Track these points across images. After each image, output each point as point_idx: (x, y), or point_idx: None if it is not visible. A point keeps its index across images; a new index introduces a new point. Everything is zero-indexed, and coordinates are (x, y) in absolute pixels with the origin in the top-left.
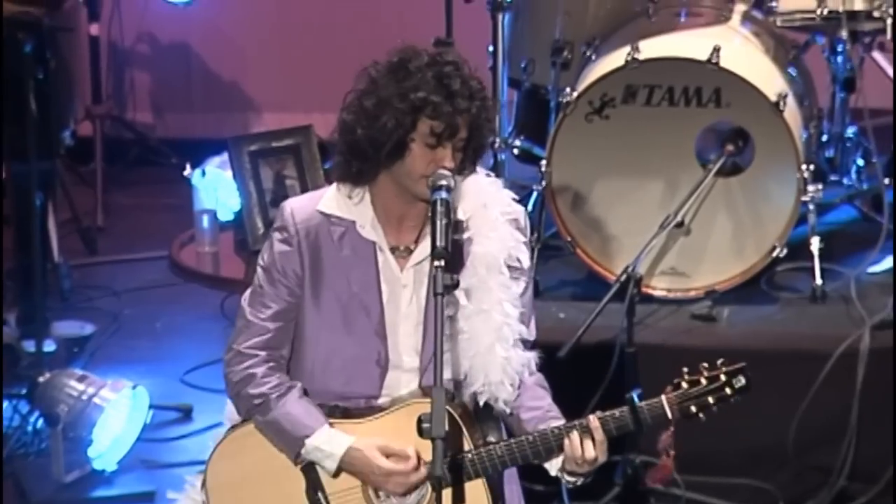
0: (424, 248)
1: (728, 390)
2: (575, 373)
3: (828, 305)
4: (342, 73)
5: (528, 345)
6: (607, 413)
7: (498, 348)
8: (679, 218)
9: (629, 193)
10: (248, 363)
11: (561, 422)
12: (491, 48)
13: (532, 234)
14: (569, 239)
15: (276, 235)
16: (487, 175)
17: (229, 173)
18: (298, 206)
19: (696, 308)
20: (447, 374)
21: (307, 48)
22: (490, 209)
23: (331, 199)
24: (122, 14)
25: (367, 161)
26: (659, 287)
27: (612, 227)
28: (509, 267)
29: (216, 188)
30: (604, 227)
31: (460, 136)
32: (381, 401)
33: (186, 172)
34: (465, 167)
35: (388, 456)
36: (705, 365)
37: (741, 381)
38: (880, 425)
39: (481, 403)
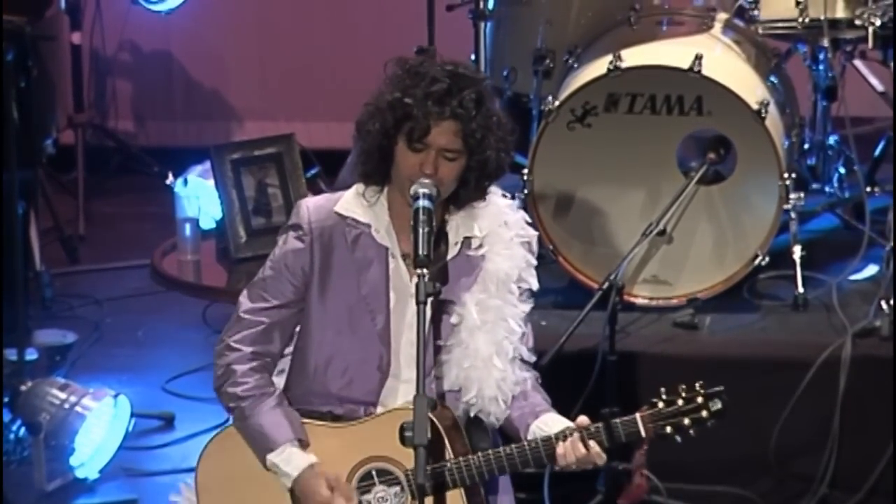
0: (439, 258)
1: (704, 413)
2: (557, 381)
3: (809, 313)
4: (323, 81)
5: (525, 366)
6: (582, 427)
7: (496, 362)
8: (661, 226)
9: (611, 202)
10: (231, 357)
11: (551, 413)
12: (473, 57)
13: None
14: (551, 247)
15: (291, 233)
16: (504, 196)
17: (211, 182)
18: (315, 206)
19: (678, 316)
20: (445, 385)
21: (288, 57)
22: (506, 230)
23: (349, 201)
24: (103, 23)
25: (368, 163)
26: (641, 295)
27: (595, 236)
28: (519, 288)
29: (198, 196)
30: (586, 236)
31: (443, 145)
32: (378, 411)
33: (168, 181)
34: (470, 183)
35: (331, 489)
36: (683, 386)
37: (717, 404)
38: (862, 433)
39: (472, 415)
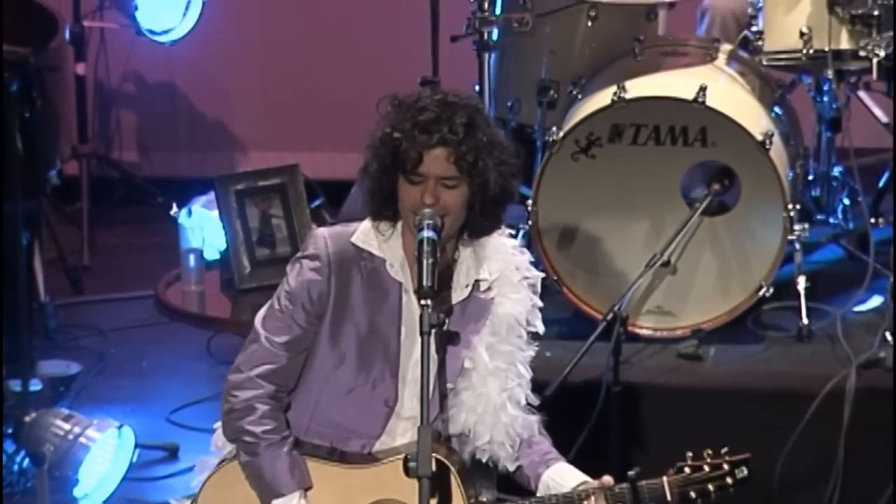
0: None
1: (729, 479)
2: (561, 412)
3: (814, 344)
4: (327, 112)
5: (530, 409)
6: (607, 488)
7: (509, 408)
8: (665, 257)
9: (615, 232)
10: (252, 394)
11: (560, 462)
12: (477, 87)
13: None
14: (555, 278)
15: (307, 263)
16: (511, 236)
17: (215, 212)
18: (332, 236)
19: (682, 347)
20: (452, 429)
21: (292, 87)
22: (515, 272)
23: (365, 233)
24: (108, 53)
25: (375, 202)
26: (645, 326)
27: (599, 266)
28: (527, 332)
29: (202, 227)
30: (590, 266)
31: (438, 173)
32: (377, 445)
33: (172, 211)
34: (475, 208)
35: None
36: (709, 451)
37: (743, 472)
38: (866, 465)
39: (483, 460)
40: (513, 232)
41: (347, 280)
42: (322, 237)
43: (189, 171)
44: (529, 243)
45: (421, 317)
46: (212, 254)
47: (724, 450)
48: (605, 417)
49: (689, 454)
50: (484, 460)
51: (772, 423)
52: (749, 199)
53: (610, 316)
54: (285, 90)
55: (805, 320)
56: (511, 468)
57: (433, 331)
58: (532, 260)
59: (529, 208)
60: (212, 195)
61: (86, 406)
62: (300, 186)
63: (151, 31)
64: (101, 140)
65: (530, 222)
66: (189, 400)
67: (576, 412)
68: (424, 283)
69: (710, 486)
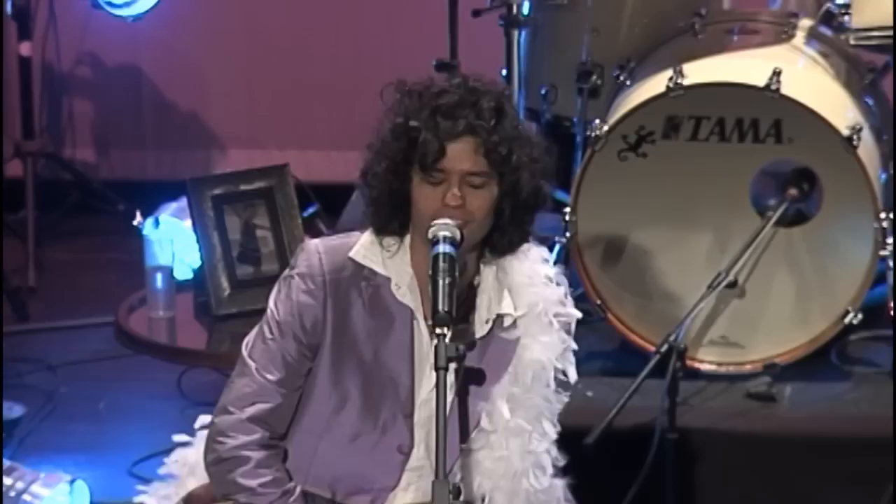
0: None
1: None
2: (606, 463)
3: None
4: (324, 102)
5: (556, 471)
6: None
7: (531, 477)
8: (732, 277)
9: (671, 247)
10: (244, 440)
11: None
12: (504, 72)
13: None
14: (598, 302)
15: (299, 283)
16: (545, 261)
17: (188, 222)
18: (328, 250)
19: (752, 385)
20: (467, 493)
21: (281, 73)
22: (545, 311)
23: (366, 247)
24: (58, 31)
25: (381, 213)
26: (707, 360)
27: (651, 288)
28: (556, 379)
29: (172, 241)
30: (640, 288)
31: (465, 168)
32: (390, 499)
33: (136, 222)
34: (505, 214)
35: None
36: None
37: None
38: None
39: None
40: (547, 257)
41: (346, 305)
42: (315, 252)
43: (156, 173)
44: (567, 260)
45: (436, 348)
46: (184, 273)
47: None
48: (659, 470)
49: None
50: None
51: (861, 478)
52: (832, 207)
53: (664, 348)
54: (273, 76)
55: None
56: None
57: (451, 366)
58: (567, 292)
59: (567, 218)
60: (184, 202)
61: (31, 456)
62: (290, 191)
63: (110, 3)
64: (51, 135)
65: (568, 235)
66: (156, 449)
67: (623, 464)
68: (440, 307)
69: None
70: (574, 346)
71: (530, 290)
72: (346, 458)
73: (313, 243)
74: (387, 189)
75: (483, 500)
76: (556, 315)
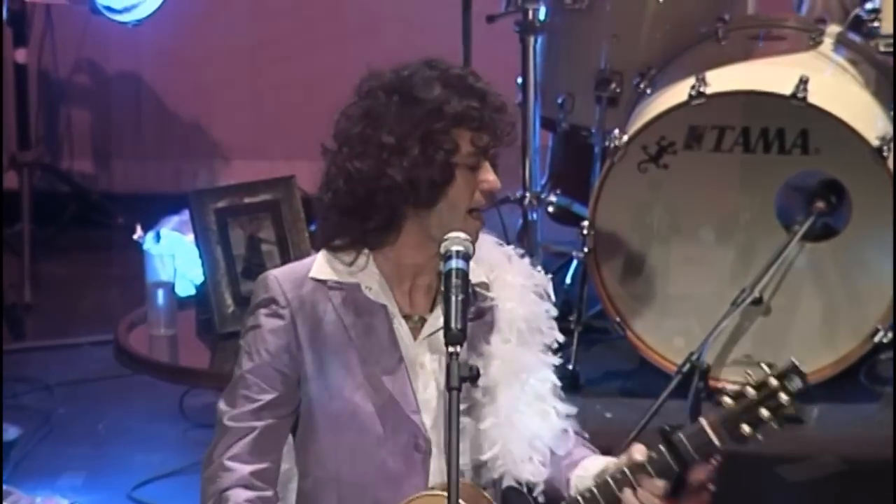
0: (438, 315)
1: (783, 396)
2: None
3: None
4: (331, 112)
5: (561, 415)
6: (640, 461)
7: (527, 419)
8: (756, 293)
9: (693, 262)
10: (225, 482)
11: (594, 457)
12: (520, 80)
13: (571, 313)
14: (617, 319)
15: (262, 311)
16: (500, 244)
17: (190, 237)
18: (284, 275)
19: None
20: (464, 459)
21: (289, 80)
22: (512, 277)
23: (322, 265)
24: (55, 37)
25: (388, 211)
26: (731, 380)
27: (672, 305)
28: (543, 344)
29: (174, 255)
30: (661, 305)
31: (505, 143)
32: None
33: (136, 236)
34: None
35: None
36: (749, 373)
37: (796, 381)
38: None
39: (505, 485)
40: (501, 242)
41: (316, 319)
42: (273, 278)
43: (158, 184)
44: (585, 276)
45: (449, 367)
46: (186, 289)
47: (764, 363)
48: (681, 493)
49: (728, 387)
50: (505, 484)
51: (889, 502)
52: (861, 221)
53: (687, 367)
54: (279, 83)
55: None
56: (542, 486)
57: (464, 385)
58: (531, 263)
59: (585, 232)
60: (186, 215)
61: (28, 480)
62: (297, 204)
63: (109, 9)
64: (48, 146)
65: (586, 249)
66: (157, 472)
67: None
68: (453, 325)
69: (764, 412)
70: (554, 311)
71: (487, 252)
72: (373, 480)
73: (269, 273)
74: (425, 173)
75: (486, 458)
76: (524, 282)
